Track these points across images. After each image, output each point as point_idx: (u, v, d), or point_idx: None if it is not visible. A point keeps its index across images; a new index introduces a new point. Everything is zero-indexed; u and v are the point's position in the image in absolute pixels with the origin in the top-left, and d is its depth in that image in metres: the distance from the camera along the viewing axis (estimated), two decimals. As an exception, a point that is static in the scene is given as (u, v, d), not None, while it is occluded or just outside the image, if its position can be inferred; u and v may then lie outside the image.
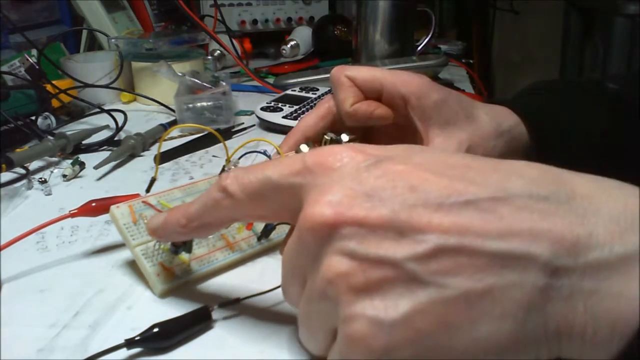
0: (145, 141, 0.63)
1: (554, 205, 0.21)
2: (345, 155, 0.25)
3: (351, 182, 0.23)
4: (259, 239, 0.40)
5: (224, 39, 0.95)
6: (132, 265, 0.38)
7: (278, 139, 0.50)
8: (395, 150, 0.25)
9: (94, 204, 0.40)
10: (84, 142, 0.63)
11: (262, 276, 0.38)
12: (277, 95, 0.78)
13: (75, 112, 0.77)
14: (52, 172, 0.56)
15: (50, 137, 0.59)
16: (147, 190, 0.47)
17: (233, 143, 0.65)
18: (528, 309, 0.21)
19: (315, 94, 0.78)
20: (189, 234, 0.32)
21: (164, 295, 0.35)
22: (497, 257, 0.21)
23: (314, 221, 0.23)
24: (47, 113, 0.69)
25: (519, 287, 0.20)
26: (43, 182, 0.52)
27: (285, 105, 0.73)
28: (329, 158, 0.25)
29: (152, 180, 0.46)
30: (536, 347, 0.21)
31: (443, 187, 0.22)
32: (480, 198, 0.22)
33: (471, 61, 1.21)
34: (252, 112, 0.76)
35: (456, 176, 0.23)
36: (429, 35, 1.00)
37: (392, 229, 0.22)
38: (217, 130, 0.48)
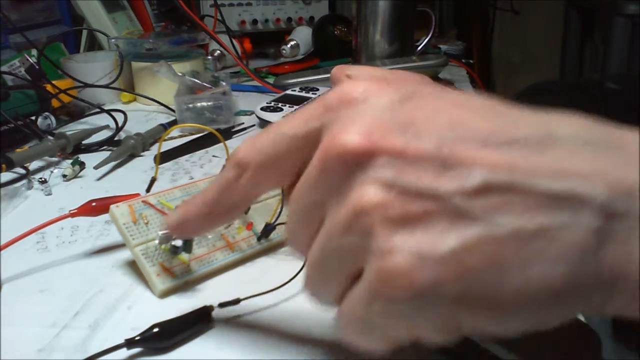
0: (145, 141, 0.63)
1: (605, 151, 0.20)
2: (373, 85, 0.23)
3: (383, 112, 0.21)
4: (259, 239, 0.40)
5: (224, 39, 0.95)
6: (132, 265, 0.38)
7: (278, 139, 0.50)
8: (425, 87, 0.23)
9: (94, 204, 0.40)
10: (84, 142, 0.63)
11: (262, 276, 0.38)
12: (277, 95, 0.78)
13: (75, 112, 0.77)
14: (52, 172, 0.56)
15: (50, 137, 0.59)
16: (147, 190, 0.47)
17: (233, 143, 0.65)
18: (582, 251, 0.19)
19: (316, 94, 0.78)
20: (214, 222, 0.30)
21: (164, 295, 0.35)
22: (549, 197, 0.19)
23: (344, 147, 0.21)
24: (47, 113, 0.69)
25: (573, 228, 0.19)
26: (43, 182, 0.52)
27: (285, 105, 0.73)
28: (353, 90, 0.23)
29: (152, 180, 0.46)
30: (588, 293, 0.20)
31: (486, 124, 0.21)
32: (528, 138, 0.20)
33: (471, 61, 1.21)
34: (252, 112, 0.76)
35: (498, 116, 0.21)
36: (429, 35, 1.00)
37: (435, 161, 0.20)
38: (217, 130, 0.48)
